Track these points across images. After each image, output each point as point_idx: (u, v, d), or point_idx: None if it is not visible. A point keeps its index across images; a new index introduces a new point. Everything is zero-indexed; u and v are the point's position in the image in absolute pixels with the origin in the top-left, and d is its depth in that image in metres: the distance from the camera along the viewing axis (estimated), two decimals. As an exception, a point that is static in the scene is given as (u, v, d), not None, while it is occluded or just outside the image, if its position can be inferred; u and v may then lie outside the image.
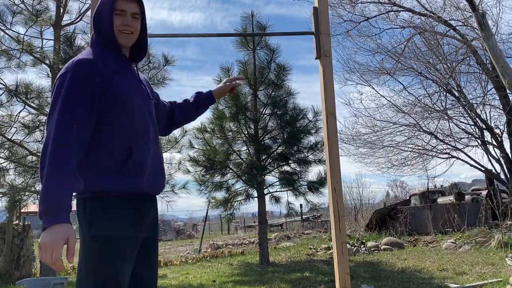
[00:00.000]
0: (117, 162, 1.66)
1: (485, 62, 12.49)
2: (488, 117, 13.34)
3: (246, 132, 9.49)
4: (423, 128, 13.82)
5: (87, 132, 1.62)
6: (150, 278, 1.80)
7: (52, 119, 1.57)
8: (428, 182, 16.23)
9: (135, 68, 1.89)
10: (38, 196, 6.98)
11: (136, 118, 1.73)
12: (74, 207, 1.59)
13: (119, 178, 1.65)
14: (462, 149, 13.77)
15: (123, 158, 1.67)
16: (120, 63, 1.78)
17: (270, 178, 9.71)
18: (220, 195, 9.54)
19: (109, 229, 1.63)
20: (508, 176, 12.64)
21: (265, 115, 9.55)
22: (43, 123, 7.39)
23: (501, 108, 12.81)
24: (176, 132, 8.36)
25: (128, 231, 1.66)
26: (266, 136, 9.49)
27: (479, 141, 13.58)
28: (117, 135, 1.69)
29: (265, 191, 9.40)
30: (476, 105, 13.19)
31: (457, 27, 12.71)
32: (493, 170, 13.26)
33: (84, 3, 7.76)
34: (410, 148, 14.64)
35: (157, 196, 1.88)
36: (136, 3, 1.78)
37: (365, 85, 14.70)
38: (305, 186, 9.41)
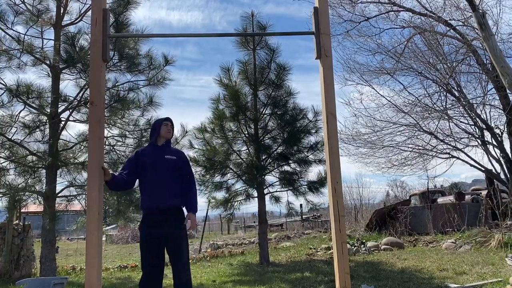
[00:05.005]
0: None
1: (485, 62, 12.49)
2: (488, 117, 13.35)
3: (246, 132, 9.48)
4: (423, 128, 13.82)
5: None
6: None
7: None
8: (428, 182, 16.24)
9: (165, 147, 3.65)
10: (39, 196, 6.83)
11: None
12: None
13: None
14: (462, 149, 13.78)
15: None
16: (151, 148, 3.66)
17: (270, 178, 9.72)
18: (220, 195, 9.55)
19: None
20: (508, 176, 12.63)
21: (265, 115, 9.54)
22: (44, 123, 7.38)
23: (501, 108, 12.81)
24: (177, 133, 8.36)
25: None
26: (266, 136, 9.49)
27: (479, 141, 13.57)
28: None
29: (265, 191, 9.40)
30: (476, 105, 13.19)
31: (457, 27, 12.71)
32: (493, 170, 13.25)
33: (85, 4, 7.75)
34: (410, 148, 14.64)
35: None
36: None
37: (365, 85, 14.70)
38: (305, 186, 9.41)
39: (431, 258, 8.03)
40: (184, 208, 3.55)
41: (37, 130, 7.31)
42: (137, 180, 3.57)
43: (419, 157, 14.63)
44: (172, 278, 3.34)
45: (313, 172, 17.42)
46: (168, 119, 3.67)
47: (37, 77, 7.37)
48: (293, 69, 9.69)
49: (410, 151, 14.67)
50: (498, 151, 12.94)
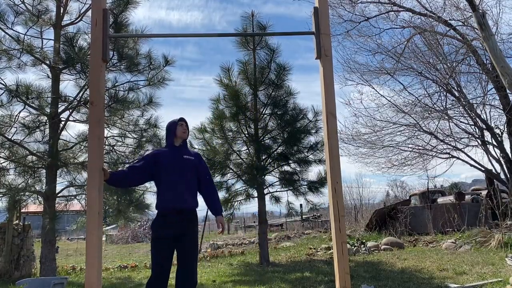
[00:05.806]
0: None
1: (485, 62, 12.49)
2: (488, 117, 13.37)
3: (246, 132, 9.48)
4: (423, 128, 13.83)
5: None
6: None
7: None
8: (428, 182, 16.26)
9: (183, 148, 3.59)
10: (39, 196, 6.83)
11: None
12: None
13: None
14: (462, 149, 13.79)
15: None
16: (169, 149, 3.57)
17: (270, 178, 9.72)
18: (220, 195, 9.54)
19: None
20: (508, 176, 12.63)
21: (265, 115, 9.54)
22: (43, 123, 7.38)
23: (501, 108, 12.81)
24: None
25: None
26: (266, 136, 9.49)
27: (479, 141, 13.58)
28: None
29: (265, 191, 9.40)
30: (476, 105, 13.19)
31: (457, 27, 12.71)
32: (493, 170, 13.25)
33: (84, 4, 7.74)
34: (410, 148, 14.66)
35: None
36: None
37: (365, 85, 14.72)
38: (305, 186, 9.41)
39: (431, 258, 8.03)
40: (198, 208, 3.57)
41: (37, 130, 7.30)
42: (148, 180, 3.53)
43: (419, 157, 14.65)
44: (172, 278, 3.29)
45: (313, 172, 17.44)
46: (182, 119, 3.62)
47: (37, 77, 7.36)
48: (293, 69, 9.68)
49: (410, 151, 14.69)
50: (498, 151, 12.94)
